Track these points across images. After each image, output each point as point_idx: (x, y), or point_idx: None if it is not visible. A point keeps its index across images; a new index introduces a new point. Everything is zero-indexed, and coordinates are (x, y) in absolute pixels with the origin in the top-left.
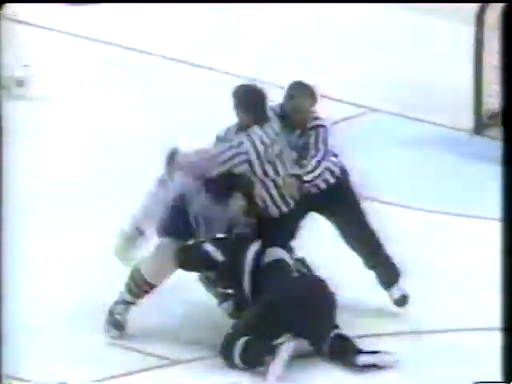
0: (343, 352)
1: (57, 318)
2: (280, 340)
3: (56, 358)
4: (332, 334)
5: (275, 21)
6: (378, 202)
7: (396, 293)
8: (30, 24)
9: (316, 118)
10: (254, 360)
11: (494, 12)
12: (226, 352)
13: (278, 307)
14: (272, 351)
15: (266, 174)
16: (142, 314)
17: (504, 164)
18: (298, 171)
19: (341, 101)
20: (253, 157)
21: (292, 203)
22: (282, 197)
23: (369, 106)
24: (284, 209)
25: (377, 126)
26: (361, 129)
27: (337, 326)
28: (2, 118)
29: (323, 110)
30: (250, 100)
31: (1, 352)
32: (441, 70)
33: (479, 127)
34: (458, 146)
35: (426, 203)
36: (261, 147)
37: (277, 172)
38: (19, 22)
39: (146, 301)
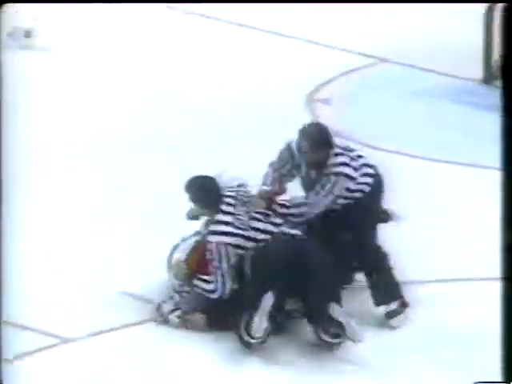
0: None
1: (60, 268)
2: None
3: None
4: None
5: None
6: (386, 152)
7: (391, 307)
8: None
9: (337, 165)
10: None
11: None
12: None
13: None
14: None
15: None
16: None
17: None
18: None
19: (351, 51)
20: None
21: None
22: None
23: (379, 56)
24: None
25: (387, 77)
26: (370, 79)
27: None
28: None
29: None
30: (204, 195)
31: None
32: (452, 20)
33: (489, 78)
34: (468, 96)
35: (436, 153)
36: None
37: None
38: None
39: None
